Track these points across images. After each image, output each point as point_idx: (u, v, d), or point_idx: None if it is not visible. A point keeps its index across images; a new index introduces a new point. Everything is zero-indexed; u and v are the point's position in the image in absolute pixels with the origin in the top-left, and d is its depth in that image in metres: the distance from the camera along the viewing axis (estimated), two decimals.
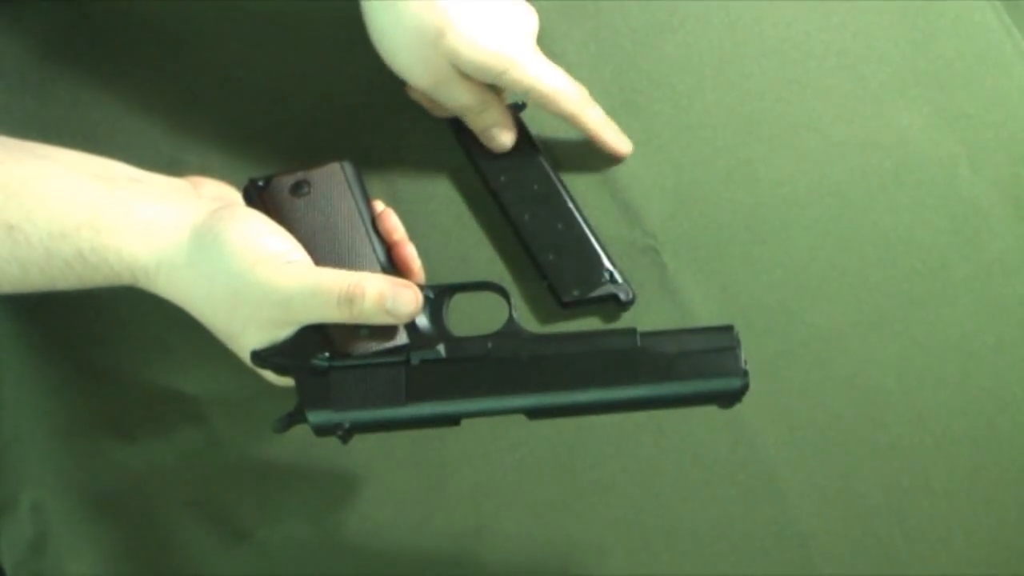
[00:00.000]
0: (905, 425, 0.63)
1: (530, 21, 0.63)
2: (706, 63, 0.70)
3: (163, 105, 0.67)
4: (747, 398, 0.62)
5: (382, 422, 0.51)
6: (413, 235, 0.56)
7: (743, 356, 0.50)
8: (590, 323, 0.64)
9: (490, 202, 0.65)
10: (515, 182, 0.65)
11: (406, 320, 0.51)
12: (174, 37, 0.68)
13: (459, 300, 0.55)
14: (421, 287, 0.52)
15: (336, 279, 0.50)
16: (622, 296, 0.63)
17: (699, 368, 0.49)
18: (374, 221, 0.55)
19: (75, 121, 0.66)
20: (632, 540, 0.60)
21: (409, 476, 0.60)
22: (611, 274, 0.63)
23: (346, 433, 0.50)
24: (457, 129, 0.66)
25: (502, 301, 0.53)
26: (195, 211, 0.51)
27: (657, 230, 0.66)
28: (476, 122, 0.63)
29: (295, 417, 0.51)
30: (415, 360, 0.50)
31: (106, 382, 0.61)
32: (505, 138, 0.63)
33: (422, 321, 0.52)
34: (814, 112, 0.69)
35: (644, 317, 0.64)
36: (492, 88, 0.63)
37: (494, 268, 0.65)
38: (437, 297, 0.53)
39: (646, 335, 0.50)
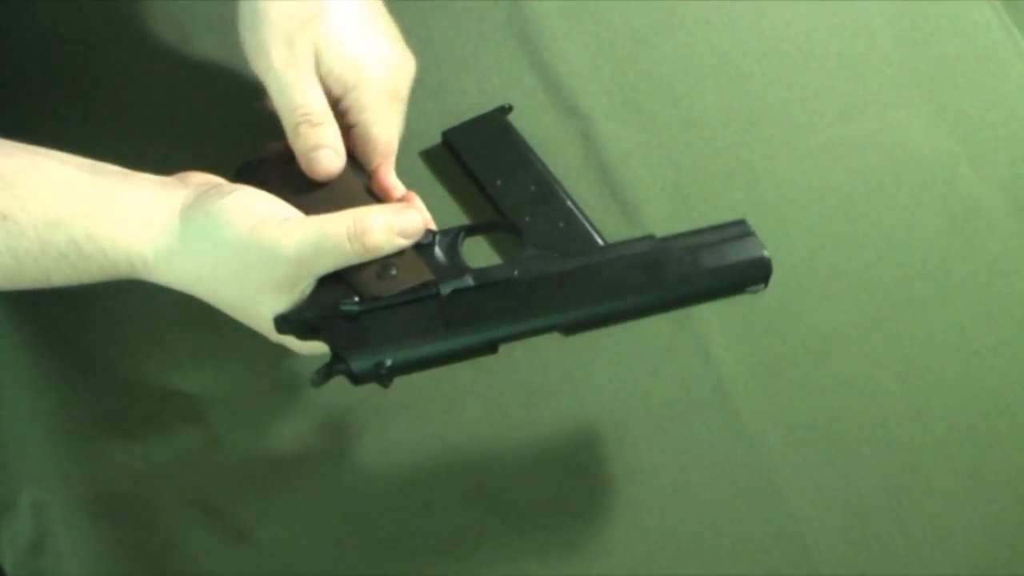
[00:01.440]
0: (905, 425, 0.63)
1: (404, 67, 0.58)
2: (706, 63, 0.70)
3: (162, 105, 0.67)
4: (747, 398, 0.62)
5: (422, 358, 0.50)
6: None
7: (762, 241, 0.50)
8: None
9: (488, 207, 0.65)
10: (511, 185, 0.65)
11: (417, 237, 0.51)
12: (172, 39, 0.68)
13: None
14: (432, 231, 0.52)
15: (339, 219, 0.50)
16: None
17: (723, 256, 0.50)
18: (370, 181, 0.56)
19: (72, 121, 0.66)
20: (632, 540, 0.60)
21: (409, 477, 0.60)
22: None
23: (388, 374, 0.50)
24: (448, 138, 0.66)
25: None
26: (184, 196, 0.52)
27: (657, 230, 0.65)
28: (309, 136, 0.55)
29: (333, 367, 0.50)
30: (445, 290, 0.50)
31: (106, 382, 0.61)
32: (334, 164, 0.55)
33: (442, 260, 0.52)
34: (814, 112, 0.69)
35: None
36: None
37: None
38: (450, 239, 0.53)
39: (664, 238, 0.51)
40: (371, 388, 0.61)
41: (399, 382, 0.61)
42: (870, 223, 0.67)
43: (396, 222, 0.51)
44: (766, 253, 0.50)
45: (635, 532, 0.60)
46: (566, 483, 0.61)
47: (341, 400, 0.61)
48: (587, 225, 0.64)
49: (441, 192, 0.66)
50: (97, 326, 0.62)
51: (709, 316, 0.64)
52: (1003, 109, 0.70)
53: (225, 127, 0.65)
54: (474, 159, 0.65)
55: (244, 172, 0.56)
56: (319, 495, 0.60)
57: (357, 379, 0.50)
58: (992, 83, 0.71)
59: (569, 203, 0.64)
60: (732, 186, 0.67)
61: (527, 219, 0.64)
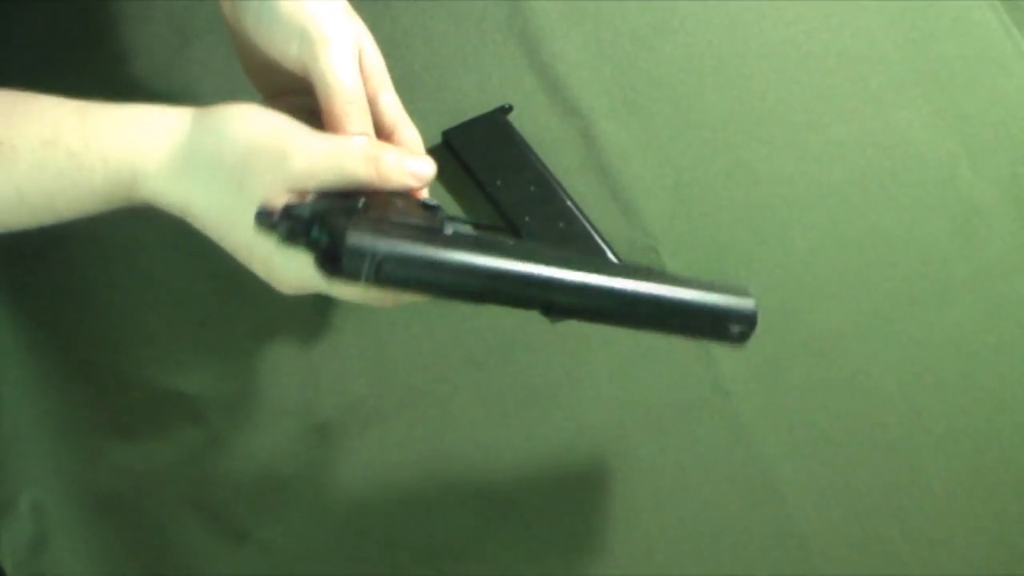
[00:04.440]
0: (905, 425, 0.63)
1: None
2: (706, 63, 0.70)
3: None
4: (747, 398, 0.62)
5: (413, 261, 0.44)
6: None
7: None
8: None
9: (488, 207, 0.65)
10: (511, 185, 0.65)
11: (426, 181, 0.51)
12: (172, 39, 0.69)
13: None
14: (439, 208, 0.52)
15: (358, 139, 0.50)
16: None
17: (714, 291, 0.48)
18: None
19: None
20: (632, 540, 0.60)
21: (409, 477, 0.60)
22: None
23: (376, 268, 0.44)
24: (448, 138, 0.66)
25: None
26: (192, 108, 0.51)
27: (657, 230, 0.66)
28: (359, 121, 0.54)
29: (324, 247, 0.45)
30: (448, 230, 0.48)
31: (106, 382, 0.61)
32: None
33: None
34: (814, 112, 0.69)
35: None
36: None
37: None
38: (457, 222, 0.52)
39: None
40: (370, 389, 0.61)
41: (398, 382, 0.62)
42: (870, 223, 0.67)
43: (408, 159, 0.51)
44: (755, 307, 0.48)
45: (635, 532, 0.60)
46: (566, 483, 0.61)
47: (341, 400, 0.61)
48: (587, 225, 0.64)
49: (441, 192, 0.66)
50: (97, 326, 0.62)
51: None
52: (1003, 109, 0.70)
53: None
54: (474, 159, 0.65)
55: None
56: (319, 495, 0.60)
57: (343, 262, 0.43)
58: (992, 83, 0.71)
59: (569, 203, 0.65)
60: (732, 186, 0.67)
61: (527, 219, 0.64)
